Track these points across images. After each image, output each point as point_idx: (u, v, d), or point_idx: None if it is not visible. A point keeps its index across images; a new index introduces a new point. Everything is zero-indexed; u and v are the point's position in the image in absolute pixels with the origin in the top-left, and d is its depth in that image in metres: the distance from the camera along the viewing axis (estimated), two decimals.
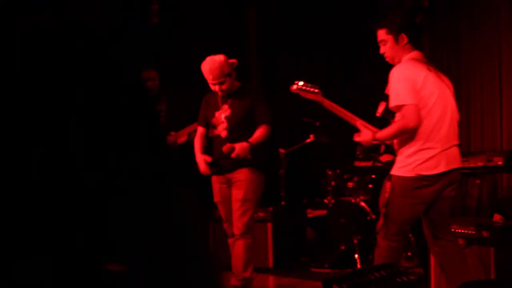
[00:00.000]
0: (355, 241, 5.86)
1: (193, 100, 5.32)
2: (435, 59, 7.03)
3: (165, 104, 5.91)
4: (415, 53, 3.97)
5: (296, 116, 7.25)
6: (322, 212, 6.37)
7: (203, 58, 4.79)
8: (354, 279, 2.87)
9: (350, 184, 6.26)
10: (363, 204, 6.10)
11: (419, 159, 3.78)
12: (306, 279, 5.61)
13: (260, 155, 4.86)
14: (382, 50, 4.04)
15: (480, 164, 5.19)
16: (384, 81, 8.08)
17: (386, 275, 3.05)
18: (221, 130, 4.87)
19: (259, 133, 4.80)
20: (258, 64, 7.70)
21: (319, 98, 4.01)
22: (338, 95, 7.83)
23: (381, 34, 4.02)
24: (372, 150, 4.15)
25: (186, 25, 7.44)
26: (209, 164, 4.88)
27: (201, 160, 4.93)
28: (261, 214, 6.13)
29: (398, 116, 3.85)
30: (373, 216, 6.04)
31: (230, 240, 4.93)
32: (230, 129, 4.84)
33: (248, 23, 7.67)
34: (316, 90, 4.00)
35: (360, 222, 6.00)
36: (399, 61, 3.96)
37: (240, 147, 4.71)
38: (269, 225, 6.08)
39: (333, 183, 6.32)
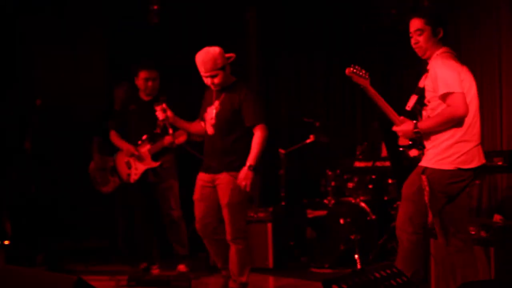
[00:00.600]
0: (355, 241, 5.85)
1: (193, 100, 5.30)
2: None
3: (164, 104, 5.89)
4: (447, 48, 3.99)
5: (296, 116, 7.25)
6: (322, 212, 6.36)
7: None
8: (354, 279, 2.86)
9: (350, 185, 6.25)
10: (363, 204, 6.09)
11: (458, 151, 3.77)
12: (306, 279, 5.61)
13: (246, 157, 4.65)
14: (416, 40, 3.96)
15: None
16: (385, 81, 8.04)
17: (386, 275, 3.05)
18: (209, 127, 4.72)
19: (255, 146, 4.59)
20: (258, 64, 7.69)
21: (367, 85, 3.96)
22: (338, 95, 7.83)
23: (419, 23, 3.94)
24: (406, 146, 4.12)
25: (186, 25, 7.44)
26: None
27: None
28: (261, 214, 6.13)
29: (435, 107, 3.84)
30: (373, 217, 6.03)
31: (205, 241, 4.83)
32: (217, 126, 4.67)
33: (248, 23, 7.66)
34: (366, 76, 3.97)
35: (360, 222, 5.99)
36: (430, 55, 3.96)
37: (242, 178, 4.54)
38: (269, 225, 6.07)
39: (333, 183, 6.32)
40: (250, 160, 4.56)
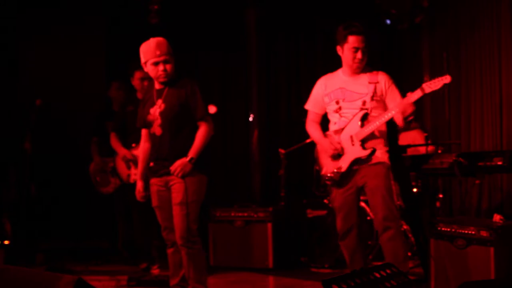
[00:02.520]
0: None
1: None
2: (435, 59, 7.03)
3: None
4: None
5: (296, 116, 7.24)
6: (322, 212, 6.36)
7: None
8: (354, 279, 2.86)
9: None
10: (363, 204, 6.08)
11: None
12: (306, 279, 5.61)
13: (198, 156, 4.41)
14: (363, 56, 4.30)
15: (480, 164, 5.18)
16: None
17: (386, 275, 3.05)
18: (156, 127, 4.45)
19: (198, 139, 4.38)
20: (258, 64, 7.69)
21: None
22: None
23: (365, 41, 4.27)
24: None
25: (186, 25, 7.44)
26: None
27: (140, 185, 4.60)
28: (261, 214, 6.13)
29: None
30: (373, 217, 6.02)
31: (169, 250, 4.60)
32: (164, 125, 4.41)
33: (248, 23, 7.66)
34: None
35: (360, 222, 5.97)
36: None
37: (179, 165, 4.33)
38: (269, 225, 6.07)
39: None
40: (192, 152, 4.35)
